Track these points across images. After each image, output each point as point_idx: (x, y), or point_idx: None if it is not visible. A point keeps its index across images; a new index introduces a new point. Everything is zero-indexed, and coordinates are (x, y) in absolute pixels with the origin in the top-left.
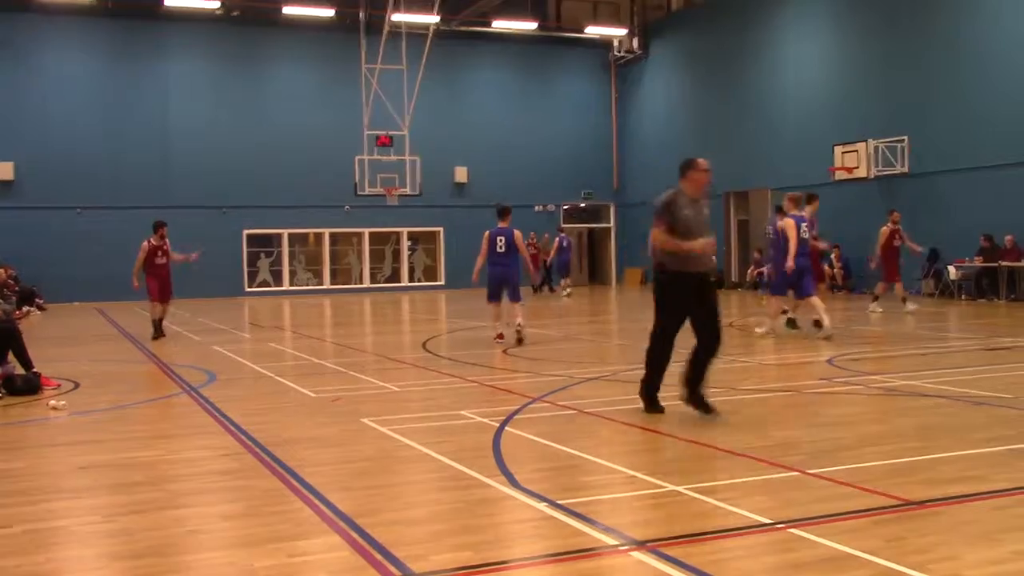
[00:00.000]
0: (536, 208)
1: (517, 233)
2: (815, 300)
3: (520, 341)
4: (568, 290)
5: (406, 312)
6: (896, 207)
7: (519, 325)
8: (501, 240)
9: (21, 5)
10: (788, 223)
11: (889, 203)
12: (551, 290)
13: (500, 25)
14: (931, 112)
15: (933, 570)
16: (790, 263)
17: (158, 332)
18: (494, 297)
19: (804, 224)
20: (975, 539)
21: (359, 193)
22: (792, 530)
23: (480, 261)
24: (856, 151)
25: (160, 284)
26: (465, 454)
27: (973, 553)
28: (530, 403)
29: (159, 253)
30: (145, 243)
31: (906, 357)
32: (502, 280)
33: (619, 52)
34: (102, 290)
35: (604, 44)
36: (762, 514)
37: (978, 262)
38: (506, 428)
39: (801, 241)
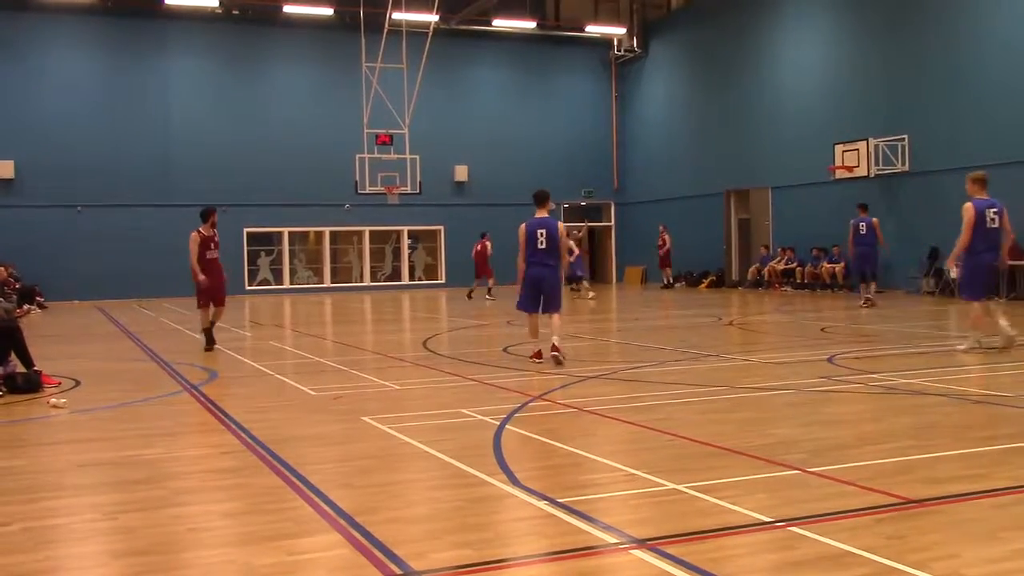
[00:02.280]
0: None
1: (561, 226)
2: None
3: (558, 362)
4: (591, 292)
5: (406, 310)
6: (896, 205)
7: (555, 343)
8: (542, 234)
9: (21, 3)
10: (967, 208)
11: (890, 202)
12: (574, 289)
13: (500, 24)
14: (932, 111)
15: (933, 568)
16: (951, 258)
17: (210, 343)
18: (532, 305)
19: (993, 211)
20: (975, 537)
21: (359, 191)
22: (792, 528)
23: (522, 263)
24: (857, 150)
25: (211, 284)
26: (465, 452)
27: (973, 551)
28: (530, 401)
29: (211, 246)
30: (195, 233)
31: (906, 356)
32: (541, 283)
33: (619, 51)
34: (103, 288)
35: (604, 43)
36: (762, 512)
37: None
38: (506, 426)
39: (987, 232)
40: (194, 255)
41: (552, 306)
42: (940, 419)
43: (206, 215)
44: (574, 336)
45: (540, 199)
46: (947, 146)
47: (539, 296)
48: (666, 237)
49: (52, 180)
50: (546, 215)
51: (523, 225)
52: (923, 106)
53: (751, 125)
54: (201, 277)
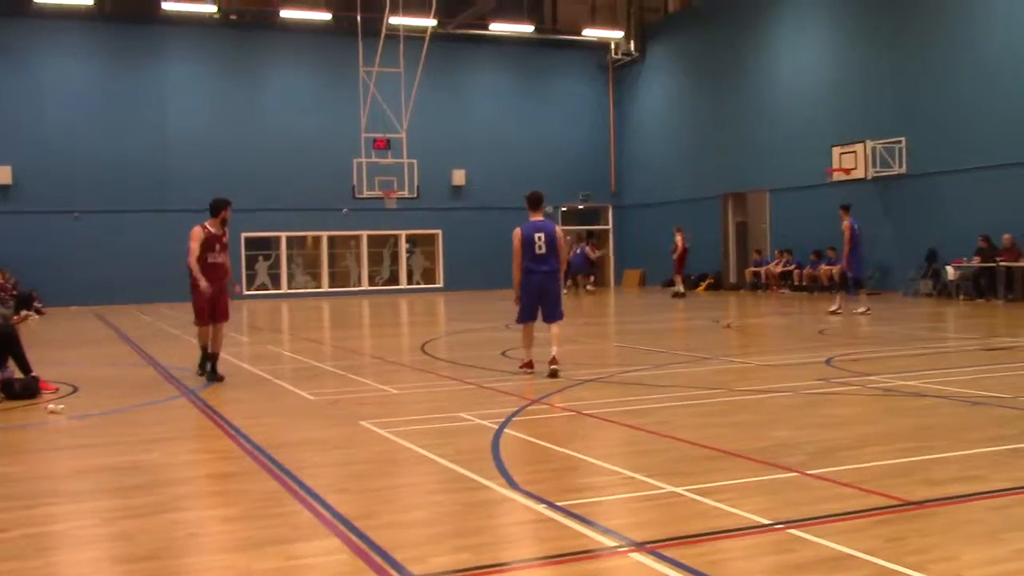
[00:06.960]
0: None
1: (559, 229)
2: None
3: (554, 375)
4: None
5: (404, 315)
6: (894, 208)
7: (554, 356)
8: (540, 238)
9: (19, 9)
10: None
11: (887, 204)
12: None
13: (497, 28)
14: (929, 113)
15: (932, 570)
16: None
17: (212, 372)
18: (530, 315)
19: None
20: (974, 539)
21: (357, 196)
22: (791, 531)
23: (518, 272)
24: (854, 152)
25: (212, 294)
26: (464, 456)
27: (972, 553)
28: (529, 405)
29: (215, 246)
30: (197, 228)
31: (904, 357)
32: (542, 291)
33: (616, 54)
34: (100, 294)
35: (601, 46)
36: (761, 515)
37: (976, 262)
38: (505, 430)
39: None
40: (194, 254)
41: (552, 315)
42: (938, 421)
43: (216, 208)
44: (572, 340)
45: (534, 202)
46: (944, 148)
47: (538, 305)
48: (679, 239)
49: (50, 186)
50: (541, 218)
51: (518, 230)
52: (921, 108)
53: (748, 128)
54: (203, 283)
